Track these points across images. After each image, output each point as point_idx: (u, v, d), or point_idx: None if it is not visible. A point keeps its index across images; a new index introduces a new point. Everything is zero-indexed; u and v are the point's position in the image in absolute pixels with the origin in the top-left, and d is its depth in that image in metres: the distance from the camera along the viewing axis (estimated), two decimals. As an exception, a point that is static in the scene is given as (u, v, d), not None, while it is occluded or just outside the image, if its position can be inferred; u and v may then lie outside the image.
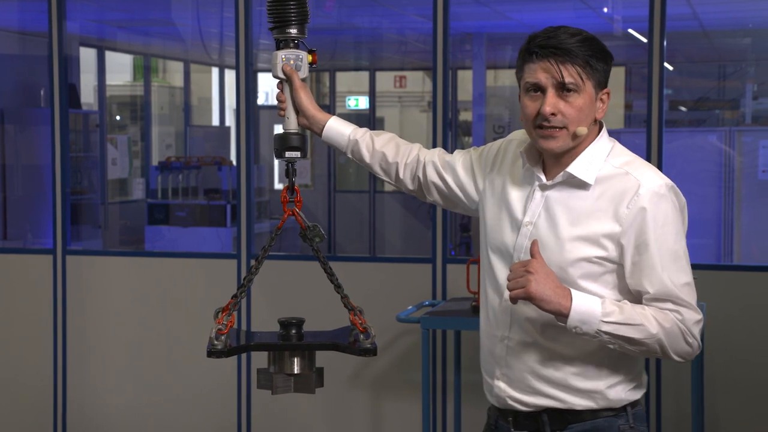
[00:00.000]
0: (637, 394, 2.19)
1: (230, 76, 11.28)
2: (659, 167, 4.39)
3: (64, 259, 5.03)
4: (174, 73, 11.85)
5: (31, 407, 5.11)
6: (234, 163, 6.99)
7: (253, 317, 4.76)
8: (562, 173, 2.14)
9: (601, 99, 2.14)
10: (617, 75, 11.04)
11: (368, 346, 2.18)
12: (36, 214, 7.57)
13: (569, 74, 2.07)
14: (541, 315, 2.11)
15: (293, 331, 2.22)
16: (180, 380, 4.95)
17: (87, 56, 9.30)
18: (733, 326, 4.35)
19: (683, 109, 9.71)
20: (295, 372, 2.20)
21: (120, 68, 11.30)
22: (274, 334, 2.26)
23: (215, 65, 11.74)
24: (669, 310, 2.08)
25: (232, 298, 2.36)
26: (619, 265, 2.11)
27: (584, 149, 2.15)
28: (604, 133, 2.19)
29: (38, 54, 6.91)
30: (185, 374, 4.94)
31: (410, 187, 2.44)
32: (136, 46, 10.58)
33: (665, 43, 4.36)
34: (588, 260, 2.11)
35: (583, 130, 2.11)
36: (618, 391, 2.16)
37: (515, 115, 9.94)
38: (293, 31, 2.31)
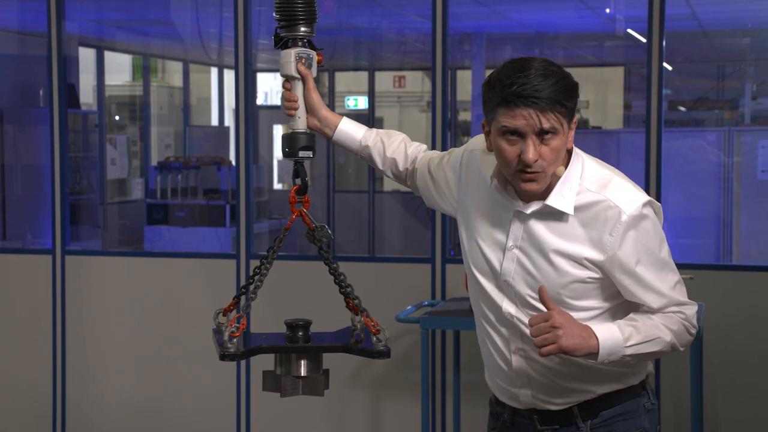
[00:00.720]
0: (649, 367, 2.30)
1: (229, 76, 11.28)
2: (658, 167, 4.40)
3: (63, 259, 5.03)
4: (173, 73, 11.84)
5: (31, 407, 5.10)
6: (233, 163, 6.99)
7: (252, 317, 4.76)
8: (541, 205, 2.16)
9: (571, 128, 2.14)
10: (617, 75, 11.04)
11: (381, 348, 2.17)
12: (35, 214, 7.57)
13: (548, 121, 2.06)
14: None
15: (300, 333, 2.21)
16: (179, 380, 4.95)
17: (86, 56, 9.29)
18: (732, 326, 4.35)
19: (682, 109, 9.71)
20: (303, 374, 2.19)
21: (119, 68, 11.29)
22: (280, 336, 2.25)
23: (214, 65, 11.74)
24: (673, 313, 2.18)
25: (234, 299, 2.35)
26: (606, 278, 2.17)
27: (558, 178, 2.15)
28: (574, 155, 2.19)
29: (37, 54, 6.91)
30: (184, 374, 4.94)
31: (418, 192, 2.51)
32: (135, 46, 10.57)
33: (664, 43, 4.36)
34: (579, 281, 2.16)
35: (561, 170, 2.14)
36: (637, 367, 2.24)
37: (514, 115, 9.91)
38: (303, 29, 2.30)
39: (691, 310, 2.21)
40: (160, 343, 4.96)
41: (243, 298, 2.35)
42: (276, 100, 14.11)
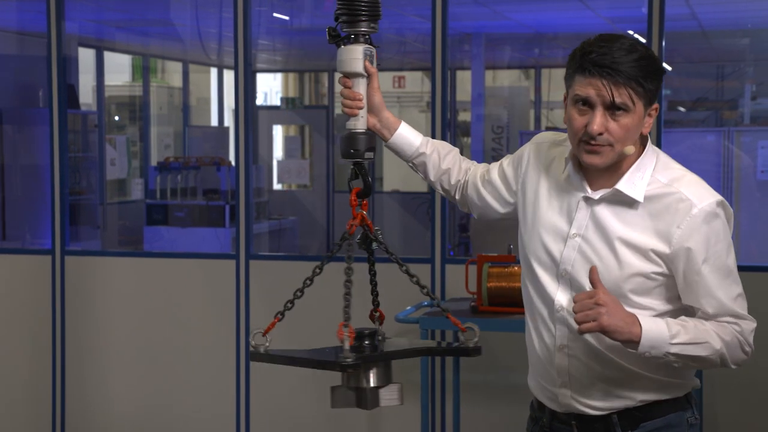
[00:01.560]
0: (696, 380, 2.22)
1: (229, 76, 11.28)
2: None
3: (63, 259, 5.03)
4: (173, 73, 11.84)
5: (30, 407, 5.10)
6: (233, 163, 6.99)
7: (252, 318, 4.76)
8: (611, 190, 2.12)
9: (649, 114, 2.11)
10: (616, 75, 11.02)
11: (472, 345, 2.14)
12: (35, 214, 7.57)
13: (620, 96, 2.03)
14: None
15: (366, 342, 2.16)
16: (178, 380, 4.95)
17: (86, 56, 9.29)
18: (732, 326, 4.35)
19: (682, 109, 9.72)
20: (382, 384, 2.17)
21: (119, 68, 11.29)
22: (322, 351, 2.19)
23: (214, 65, 11.74)
24: (728, 323, 2.10)
25: (276, 317, 2.32)
26: (670, 276, 2.11)
27: (631, 164, 2.13)
28: (649, 146, 2.17)
29: (37, 54, 6.91)
30: (184, 374, 4.93)
31: (465, 209, 2.47)
32: (135, 47, 10.57)
33: (664, 43, 4.36)
34: (642, 275, 2.10)
35: (630, 149, 2.09)
36: (682, 376, 2.17)
37: (513, 116, 9.94)
38: (371, 25, 2.22)
39: (749, 325, 2.12)
40: (160, 343, 4.96)
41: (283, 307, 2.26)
42: (275, 100, 14.11)
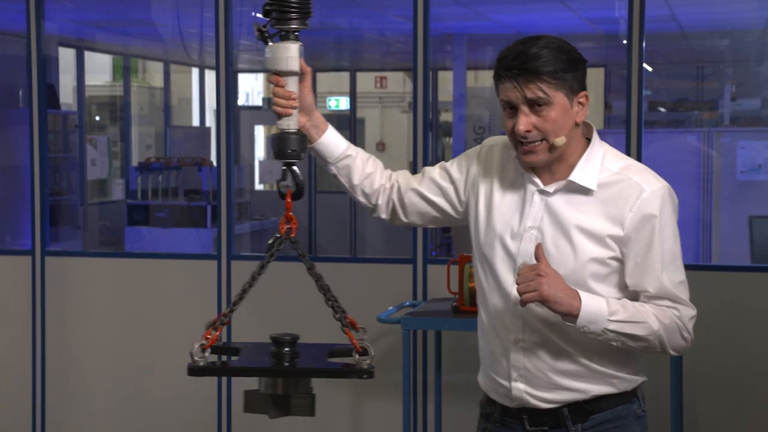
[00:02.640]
0: (643, 375, 2.29)
1: (210, 76, 11.25)
2: (638, 168, 4.42)
3: (43, 260, 5.01)
4: (154, 73, 11.80)
5: (10, 410, 5.07)
6: (214, 163, 6.97)
7: (234, 318, 4.75)
8: (565, 182, 2.18)
9: (579, 103, 2.17)
10: (596, 76, 11.07)
11: (365, 366, 2.04)
12: (14, 214, 7.53)
13: (531, 91, 2.10)
14: (551, 313, 2.15)
15: (287, 349, 2.07)
16: (160, 382, 4.93)
17: (66, 56, 9.25)
18: (712, 326, 4.37)
19: (662, 110, 9.77)
20: (295, 393, 2.08)
21: (99, 68, 11.24)
22: (265, 348, 2.10)
23: (195, 66, 11.70)
24: (667, 307, 2.17)
25: (219, 314, 2.21)
26: (621, 263, 2.17)
27: (580, 156, 2.19)
28: (595, 138, 2.23)
29: (16, 54, 6.86)
30: (165, 375, 4.92)
31: (383, 215, 2.42)
32: (116, 47, 10.53)
33: (644, 44, 4.38)
34: (598, 261, 2.16)
35: (561, 140, 2.14)
36: (632, 371, 2.24)
37: (495, 116, 9.96)
38: (301, 23, 2.14)
39: (687, 311, 2.19)
40: (141, 344, 4.94)
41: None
42: (257, 100, 14.08)
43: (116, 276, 4.99)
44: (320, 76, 11.64)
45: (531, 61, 2.10)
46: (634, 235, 2.15)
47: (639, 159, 4.42)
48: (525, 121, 2.12)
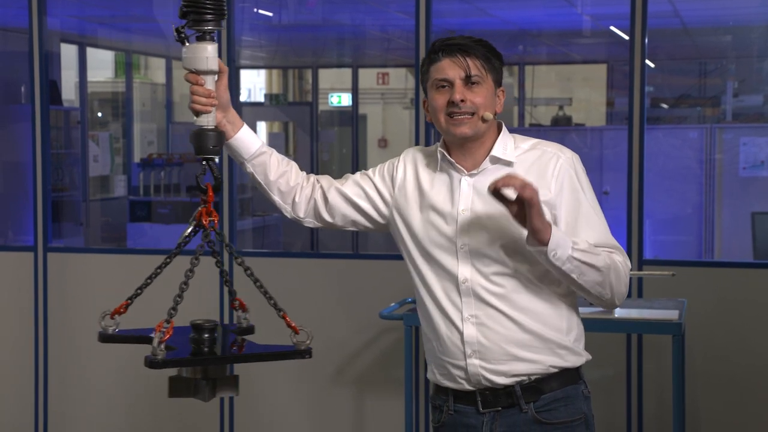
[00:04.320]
0: (587, 354, 2.41)
1: (212, 72, 11.22)
2: (640, 164, 4.42)
3: (46, 256, 5.01)
4: (156, 69, 11.81)
5: (12, 406, 5.08)
6: (216, 160, 6.96)
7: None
8: (487, 159, 2.35)
9: (498, 95, 2.37)
10: (599, 72, 11.08)
11: (303, 347, 2.13)
12: (17, 211, 7.53)
13: (474, 66, 2.31)
14: (500, 288, 2.30)
15: (206, 335, 2.19)
16: (162, 377, 4.93)
17: (68, 52, 9.25)
18: (714, 322, 4.37)
19: (665, 106, 9.76)
20: (222, 375, 2.16)
21: (101, 65, 11.24)
22: (183, 333, 2.23)
23: (197, 62, 11.68)
24: (611, 253, 2.31)
25: (127, 300, 2.43)
26: (556, 225, 2.29)
27: (493, 143, 2.37)
28: (504, 128, 2.41)
29: (19, 50, 6.87)
30: (167, 371, 4.92)
31: (301, 213, 2.51)
32: (118, 43, 10.52)
33: (646, 40, 4.38)
34: None
35: (489, 115, 2.32)
36: (577, 346, 2.37)
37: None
38: (216, 23, 2.22)
39: (625, 259, 2.33)
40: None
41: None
42: (259, 96, 14.09)
43: (118, 272, 4.99)
44: (322, 72, 11.64)
45: (471, 43, 2.33)
46: (561, 196, 2.30)
47: (641, 155, 4.42)
48: (461, 91, 2.30)
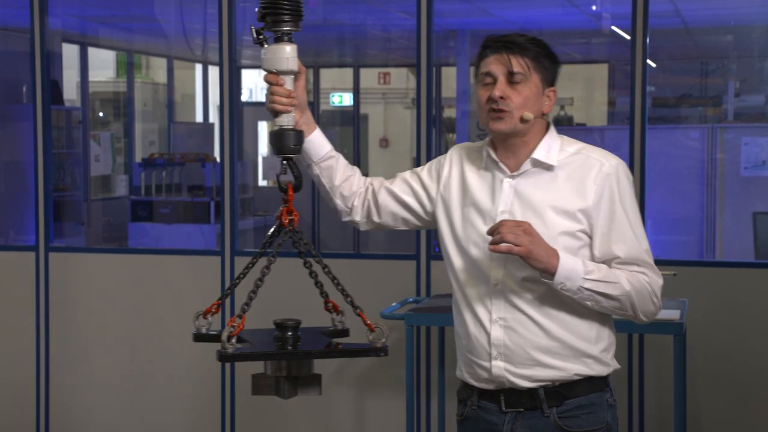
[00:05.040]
0: (616, 363, 2.40)
1: (214, 72, 11.25)
2: (642, 164, 4.42)
3: (47, 256, 5.01)
4: (157, 69, 11.81)
5: (14, 405, 5.08)
6: (218, 159, 6.97)
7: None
8: (528, 161, 2.34)
9: (548, 95, 2.36)
10: (600, 72, 11.07)
11: (379, 345, 2.16)
12: (18, 210, 7.53)
13: (518, 64, 2.31)
14: (531, 293, 2.30)
15: (289, 333, 2.18)
16: (164, 377, 4.94)
17: (69, 52, 9.25)
18: (715, 322, 4.37)
19: (666, 106, 9.75)
20: (301, 374, 2.16)
21: (103, 64, 11.24)
22: (269, 333, 2.21)
23: (199, 61, 11.70)
24: (636, 272, 2.30)
25: (217, 300, 2.38)
26: (590, 237, 2.32)
27: (539, 141, 2.36)
28: (552, 129, 2.40)
29: (20, 50, 6.87)
30: (169, 371, 4.93)
31: (357, 217, 2.53)
32: (119, 42, 10.53)
33: (648, 40, 4.38)
34: (569, 234, 2.30)
35: (529, 115, 2.32)
36: (605, 356, 2.36)
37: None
38: (295, 25, 2.25)
39: (655, 277, 2.31)
40: (144, 340, 4.94)
41: (228, 296, 2.31)
42: (261, 96, 14.08)
43: (120, 272, 4.99)
44: (323, 72, 11.63)
45: (519, 40, 2.32)
46: (599, 206, 2.29)
47: (642, 155, 4.42)
48: (501, 88, 2.30)
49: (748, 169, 6.80)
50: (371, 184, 2.52)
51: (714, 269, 4.54)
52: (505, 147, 2.37)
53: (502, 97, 2.30)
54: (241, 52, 9.75)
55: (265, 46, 2.25)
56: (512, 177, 2.35)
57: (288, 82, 2.28)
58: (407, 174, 2.53)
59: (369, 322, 2.17)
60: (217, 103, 5.07)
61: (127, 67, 10.59)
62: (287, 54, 2.25)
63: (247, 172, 8.87)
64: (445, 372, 4.33)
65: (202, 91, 11.89)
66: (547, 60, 2.34)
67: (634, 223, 2.32)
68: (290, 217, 2.25)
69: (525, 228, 2.20)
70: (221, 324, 5.08)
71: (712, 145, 6.92)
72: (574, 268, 2.23)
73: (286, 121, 2.29)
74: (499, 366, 2.33)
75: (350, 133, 10.88)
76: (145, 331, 4.94)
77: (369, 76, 12.61)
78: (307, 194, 10.06)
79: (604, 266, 2.28)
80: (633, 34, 4.37)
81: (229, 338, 2.09)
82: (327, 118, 12.08)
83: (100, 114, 11.12)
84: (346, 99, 12.32)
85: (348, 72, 11.24)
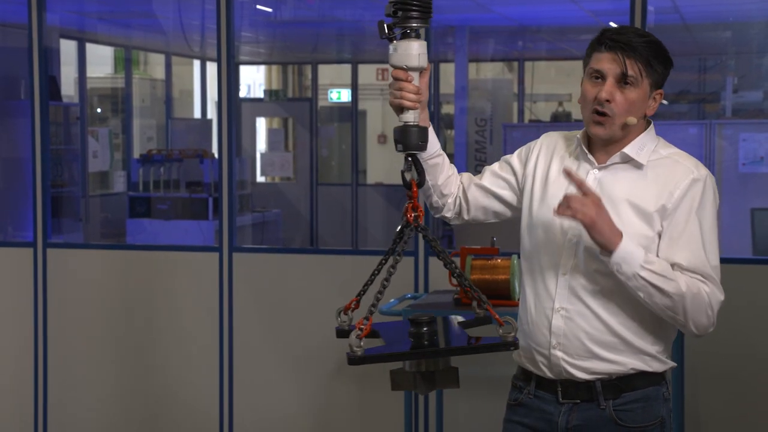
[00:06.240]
0: (672, 362, 2.40)
1: (212, 68, 11.24)
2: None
3: (45, 252, 5.01)
4: (155, 65, 11.80)
5: (11, 402, 5.08)
6: (216, 155, 6.97)
7: (236, 310, 4.76)
8: (618, 154, 2.33)
9: (654, 98, 2.34)
10: (599, 68, 11.04)
11: (510, 339, 2.12)
12: (16, 206, 7.53)
13: (631, 68, 2.27)
14: (596, 285, 2.29)
15: (425, 329, 2.15)
16: (162, 373, 4.94)
17: (67, 48, 9.24)
18: (713, 318, 4.37)
19: (664, 102, 9.75)
20: (440, 368, 2.15)
21: (101, 60, 11.23)
22: (402, 328, 2.21)
23: (197, 57, 11.70)
24: (698, 281, 2.27)
25: (356, 296, 2.31)
26: (659, 238, 2.29)
27: (634, 138, 2.34)
28: (652, 128, 2.39)
29: (18, 46, 6.86)
30: (167, 367, 4.93)
31: (449, 214, 2.53)
32: (117, 38, 10.52)
33: (646, 36, 4.37)
34: (643, 236, 2.27)
35: (633, 120, 2.30)
36: (663, 355, 2.36)
37: (497, 108, 9.95)
38: (421, 21, 2.23)
39: (716, 292, 2.29)
40: (143, 336, 4.94)
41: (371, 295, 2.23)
42: (258, 92, 14.08)
43: (118, 268, 4.99)
44: (322, 68, 11.63)
45: (638, 43, 2.27)
46: (677, 210, 2.27)
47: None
48: (609, 90, 2.27)
49: (746, 165, 6.80)
50: (461, 183, 2.51)
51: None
52: (599, 143, 2.36)
53: (608, 100, 2.27)
54: (239, 48, 9.74)
55: (394, 42, 2.25)
56: (599, 169, 2.34)
57: (416, 78, 2.26)
58: (496, 166, 2.53)
59: (498, 316, 2.15)
60: (215, 99, 5.06)
61: (125, 63, 10.58)
62: (418, 50, 2.24)
63: (245, 168, 8.87)
64: (443, 368, 4.33)
65: (200, 87, 11.89)
66: (660, 65, 2.31)
67: (706, 235, 2.29)
68: (415, 213, 2.24)
69: (593, 199, 2.20)
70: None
71: (710, 142, 6.92)
72: (634, 252, 2.21)
73: (411, 117, 2.26)
74: (557, 355, 2.33)
75: (348, 129, 10.88)
76: (144, 327, 4.94)
77: (367, 72, 12.60)
78: (305, 191, 10.06)
79: (666, 263, 2.26)
80: (631, 30, 4.37)
81: (358, 340, 2.10)
82: (325, 114, 12.08)
83: (98, 110, 11.11)
84: (344, 95, 12.31)
85: (346, 68, 11.23)
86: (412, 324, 2.17)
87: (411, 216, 2.24)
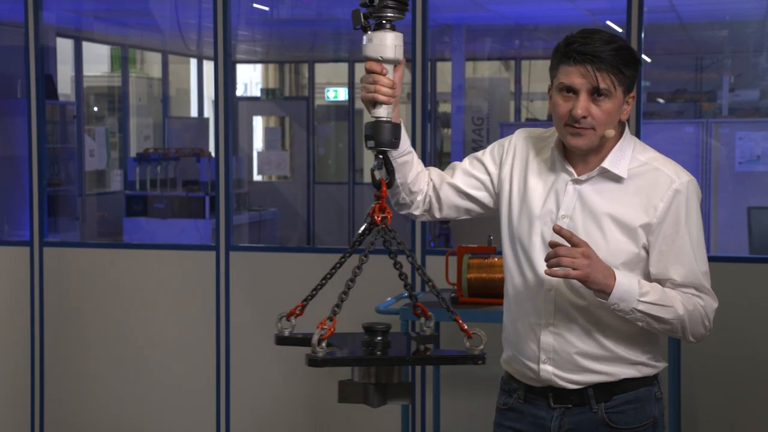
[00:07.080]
0: (664, 362, 2.40)
1: (209, 67, 11.23)
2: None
3: (41, 251, 5.01)
4: (152, 64, 11.79)
5: (8, 401, 5.08)
6: (213, 154, 6.96)
7: (232, 309, 4.76)
8: (597, 168, 2.26)
9: (627, 102, 2.27)
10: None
11: (477, 353, 1.99)
12: (13, 205, 7.52)
13: (603, 81, 2.19)
14: (583, 301, 2.25)
15: (379, 338, 2.04)
16: (158, 372, 4.94)
17: (64, 47, 9.23)
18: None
19: (661, 101, 9.77)
20: (393, 381, 2.04)
21: (97, 59, 11.22)
22: (357, 337, 2.08)
23: (193, 56, 11.69)
24: (692, 295, 2.26)
25: (302, 301, 2.18)
26: (647, 253, 2.26)
27: (611, 148, 2.28)
28: (627, 132, 2.32)
29: (14, 44, 6.85)
30: (163, 366, 4.92)
31: (417, 212, 2.42)
32: (114, 37, 10.51)
33: (643, 35, 4.38)
34: (628, 252, 2.24)
35: (611, 132, 2.24)
36: (654, 360, 2.34)
37: (494, 107, 9.95)
38: (397, 12, 2.07)
39: (710, 301, 2.28)
40: (139, 335, 4.94)
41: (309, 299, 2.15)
42: (255, 91, 14.08)
43: (115, 267, 4.99)
44: (318, 66, 11.63)
45: (607, 52, 2.18)
46: (662, 224, 2.23)
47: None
48: (584, 106, 2.19)
49: (742, 163, 6.81)
50: (431, 181, 2.41)
51: (709, 264, 4.54)
52: (576, 151, 2.28)
53: (584, 117, 2.20)
54: (235, 47, 9.74)
55: (368, 32, 2.09)
56: (578, 182, 2.28)
57: (390, 71, 2.13)
58: (467, 163, 2.42)
59: (466, 327, 2.03)
60: (212, 97, 5.06)
61: (122, 61, 10.57)
62: (394, 41, 2.09)
63: (242, 167, 8.87)
64: (440, 368, 4.33)
65: (197, 86, 11.88)
66: (630, 69, 2.22)
67: (695, 245, 2.26)
68: (383, 215, 2.11)
69: (583, 251, 2.13)
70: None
71: (707, 140, 6.93)
72: (629, 289, 2.17)
73: (384, 113, 2.13)
74: (547, 370, 2.30)
75: (345, 128, 10.87)
76: (140, 325, 4.93)
77: (364, 71, 12.60)
78: (302, 189, 10.06)
79: (659, 287, 2.23)
80: (628, 28, 4.37)
81: (320, 342, 1.96)
82: (322, 113, 12.07)
83: (95, 109, 11.10)
84: (341, 94, 12.31)
85: (343, 67, 11.23)
86: (366, 332, 2.06)
87: (379, 218, 2.11)
